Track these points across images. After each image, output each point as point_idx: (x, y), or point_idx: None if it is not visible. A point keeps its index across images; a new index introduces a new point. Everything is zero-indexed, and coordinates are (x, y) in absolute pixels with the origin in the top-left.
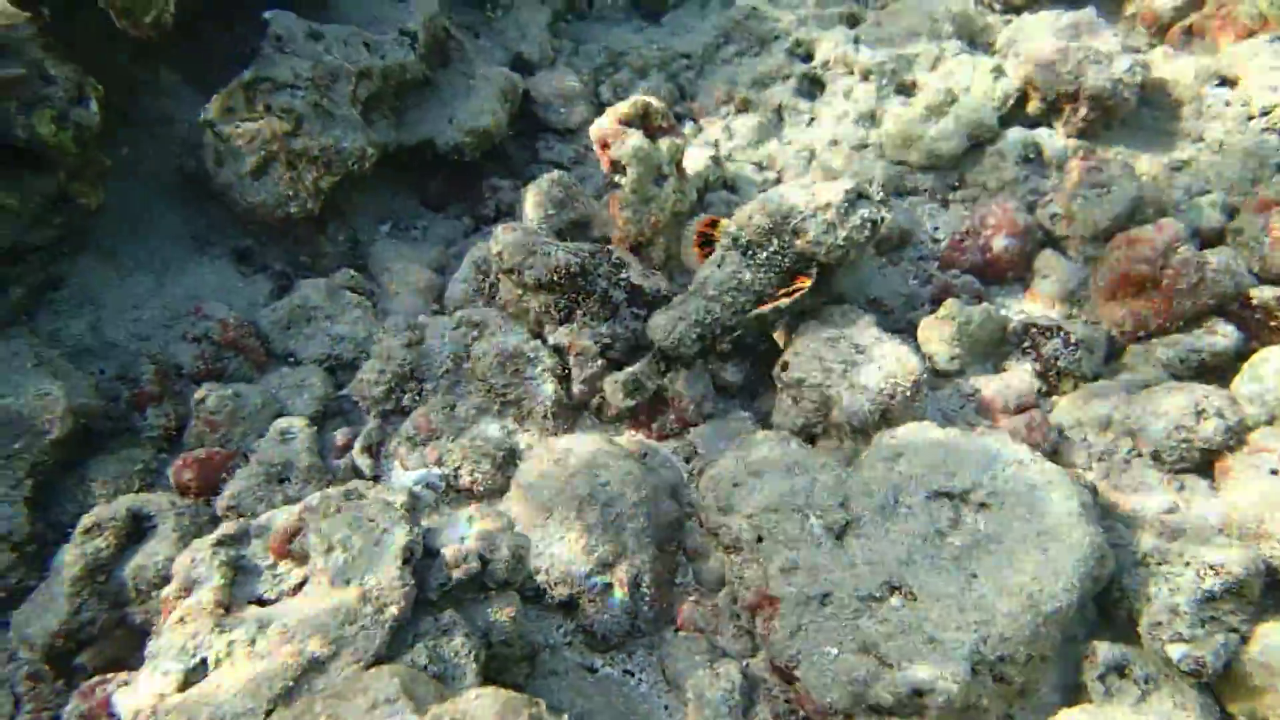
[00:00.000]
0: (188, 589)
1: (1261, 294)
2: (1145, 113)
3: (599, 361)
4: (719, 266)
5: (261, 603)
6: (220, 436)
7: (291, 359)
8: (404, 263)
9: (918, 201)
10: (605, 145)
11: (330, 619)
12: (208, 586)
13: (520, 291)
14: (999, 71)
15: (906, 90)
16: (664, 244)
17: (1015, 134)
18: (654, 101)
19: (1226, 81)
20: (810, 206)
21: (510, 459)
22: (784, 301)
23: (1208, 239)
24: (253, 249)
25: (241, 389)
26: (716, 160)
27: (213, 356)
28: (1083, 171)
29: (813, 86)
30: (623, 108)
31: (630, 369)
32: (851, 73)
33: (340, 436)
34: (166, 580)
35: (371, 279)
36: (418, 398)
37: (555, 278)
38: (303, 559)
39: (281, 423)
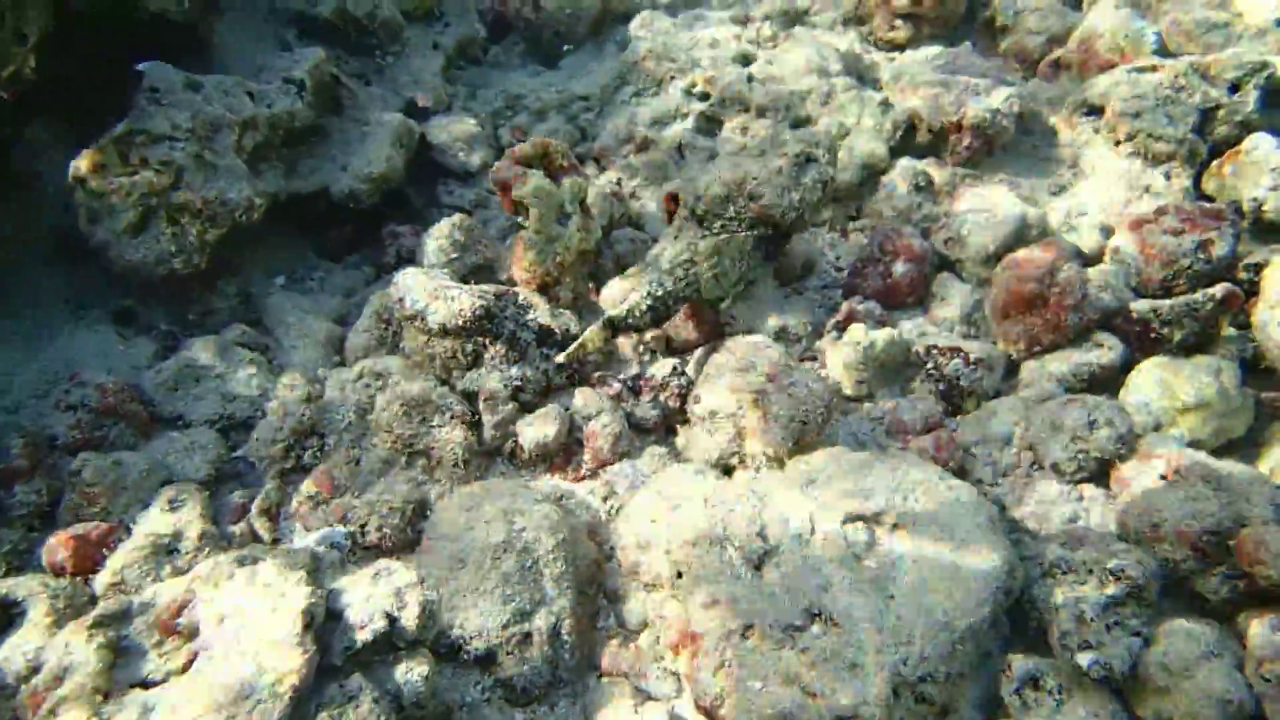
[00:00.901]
0: (59, 677)
1: (1140, 307)
2: (1025, 140)
3: (510, 405)
4: (674, 239)
5: (146, 685)
6: (100, 509)
7: (180, 422)
8: (301, 315)
9: (819, 232)
10: (506, 187)
11: (223, 697)
12: (83, 671)
13: (425, 338)
14: (886, 105)
15: (801, 124)
16: (572, 282)
17: (906, 164)
18: (554, 141)
19: (1094, 110)
20: (762, 172)
21: (420, 511)
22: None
23: (1089, 258)
24: (134, 309)
25: (123, 457)
26: (619, 197)
27: (90, 425)
28: (969, 198)
29: (710, 124)
30: (523, 148)
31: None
32: (747, 109)
33: (236, 500)
34: (38, 671)
35: (267, 333)
36: (319, 454)
37: (460, 322)
38: (192, 634)
39: (169, 490)
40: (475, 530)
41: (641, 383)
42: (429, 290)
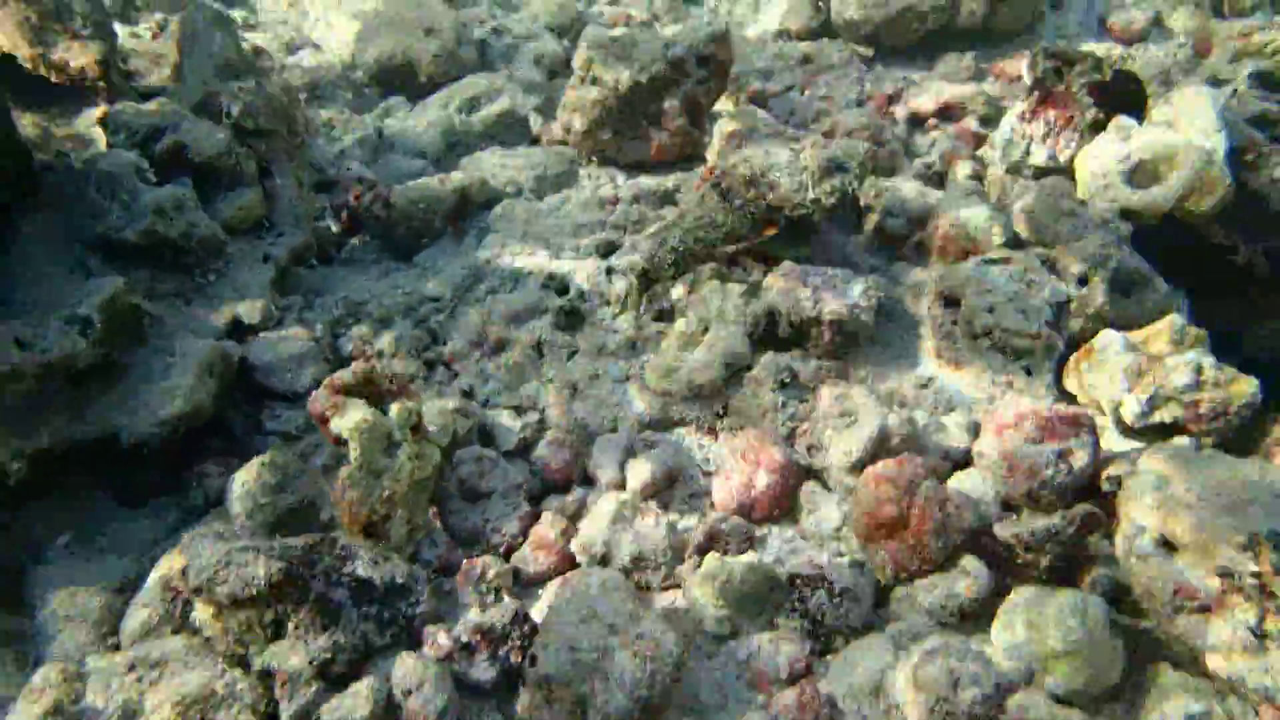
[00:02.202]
0: None
1: (1002, 533)
2: (890, 329)
3: (314, 686)
4: (699, 204)
5: None
6: None
7: None
8: (72, 588)
9: (685, 433)
10: (325, 420)
11: None
12: None
13: (214, 611)
14: (750, 295)
15: (665, 316)
16: (404, 517)
17: (769, 359)
18: (378, 365)
19: (951, 302)
20: (790, 165)
21: None
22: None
23: (957, 461)
24: None
25: None
26: (464, 412)
27: None
28: (830, 400)
29: (570, 319)
30: (342, 376)
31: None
32: (608, 303)
33: None
34: None
35: (29, 614)
36: None
37: (256, 591)
38: None
39: None
40: None
41: (477, 638)
42: (218, 555)
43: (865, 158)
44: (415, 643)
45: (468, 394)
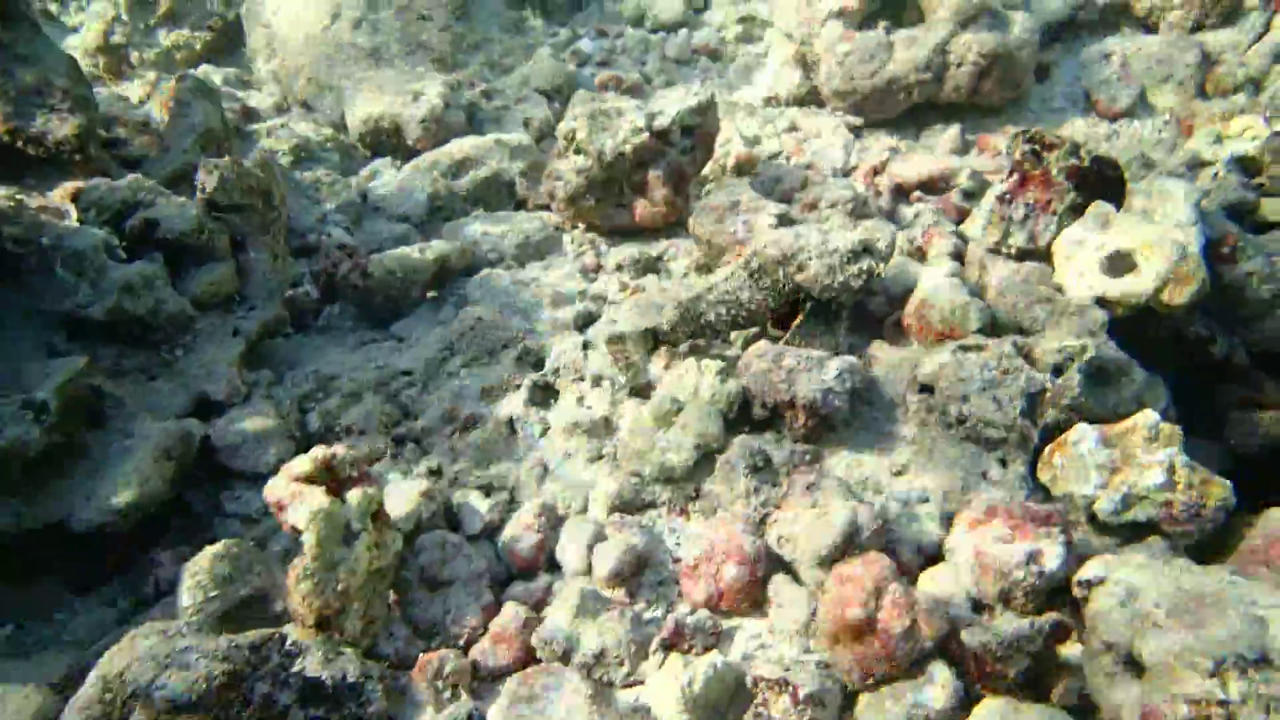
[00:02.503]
0: None
1: (970, 641)
2: (867, 411)
3: None
4: (726, 279)
5: None
6: None
7: None
8: (4, 687)
9: (657, 515)
10: (282, 508)
11: None
12: None
13: (153, 717)
14: (725, 374)
15: (639, 391)
16: (360, 610)
17: (742, 442)
18: (339, 451)
19: (926, 388)
20: (820, 247)
21: None
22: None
23: (930, 554)
24: None
25: None
26: (430, 495)
27: None
28: (801, 490)
29: (545, 394)
30: (301, 464)
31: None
32: (583, 378)
33: None
34: None
35: None
36: None
37: (195, 696)
38: None
39: None
40: None
41: None
42: (159, 655)
43: (891, 241)
44: None
45: (435, 472)
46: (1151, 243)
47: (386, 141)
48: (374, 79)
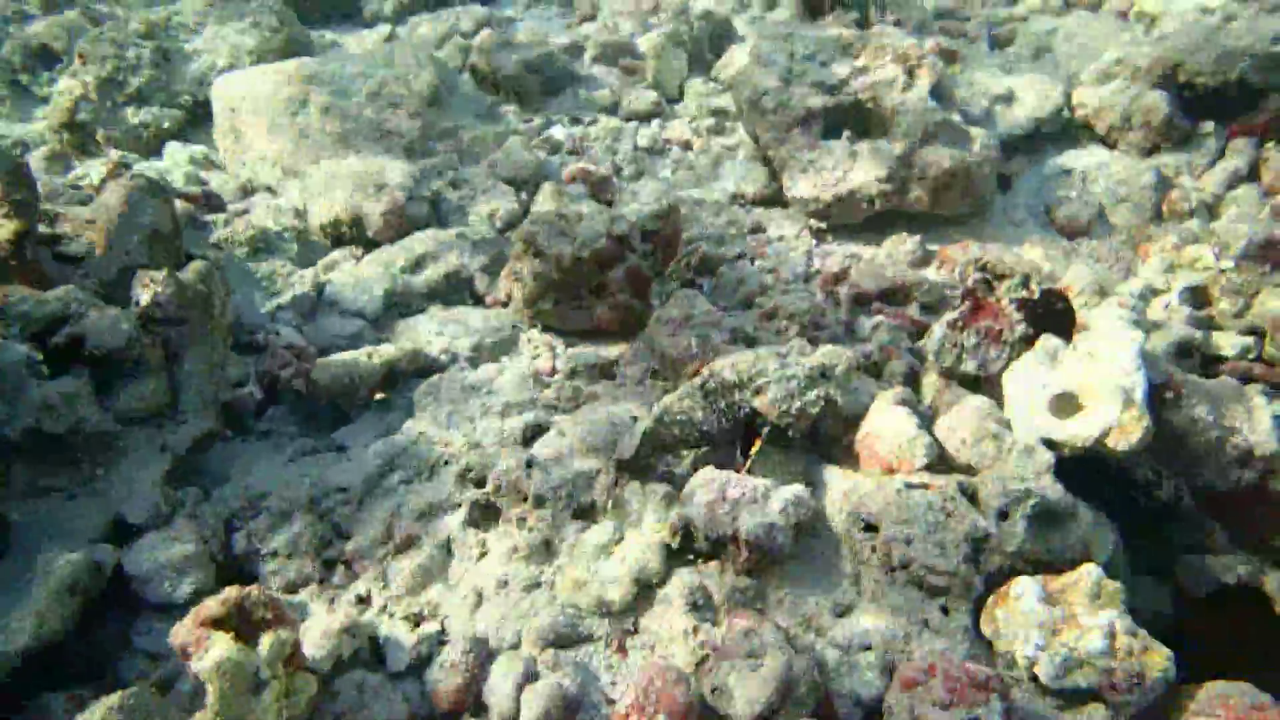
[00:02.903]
0: None
1: None
2: (815, 545)
3: None
4: (679, 399)
5: None
6: None
7: None
8: None
9: (593, 651)
10: (187, 655)
11: None
12: None
13: None
14: (671, 501)
15: (584, 513)
16: None
17: (682, 577)
18: (253, 592)
19: (870, 528)
20: (777, 373)
21: None
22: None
23: (869, 708)
24: None
25: None
26: (353, 631)
27: None
28: (738, 637)
29: (486, 514)
30: (210, 607)
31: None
32: (524, 499)
33: None
34: None
35: None
36: None
37: None
38: None
39: None
40: None
41: None
42: None
43: (848, 368)
44: None
45: (363, 600)
46: (1096, 387)
47: (348, 232)
48: (338, 169)
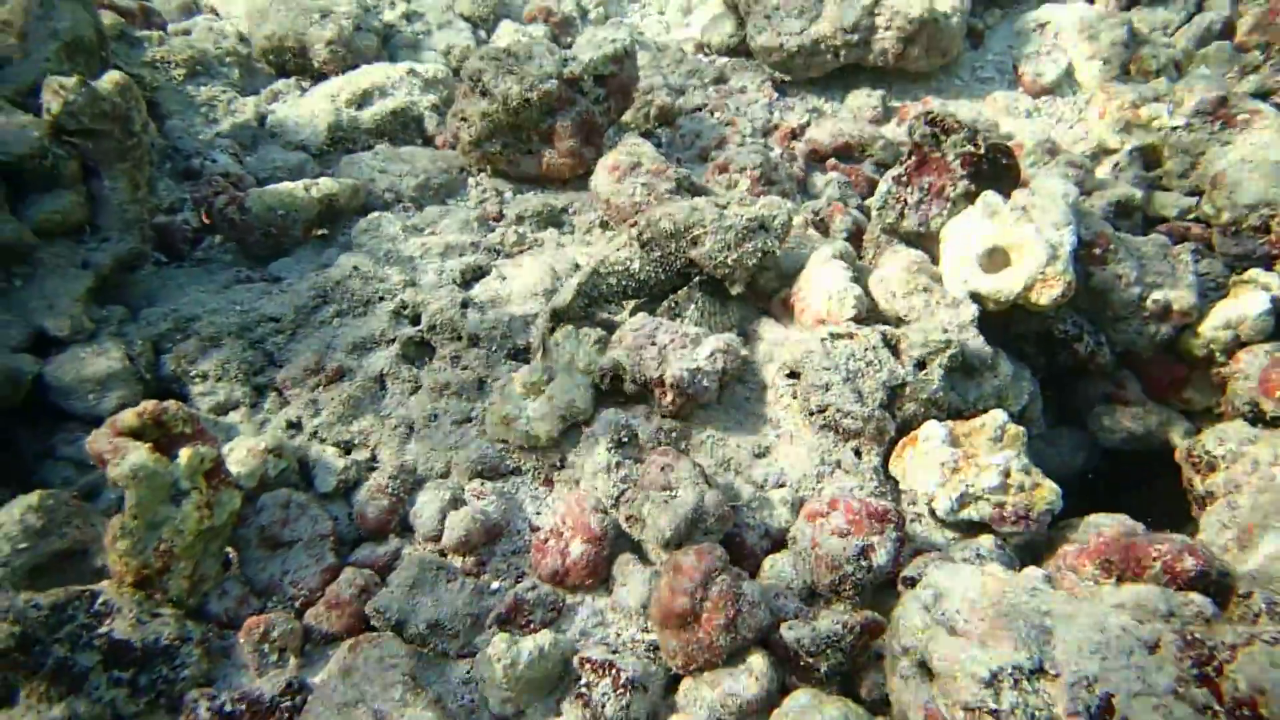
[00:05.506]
0: None
1: (788, 635)
2: (741, 390)
3: None
4: (618, 250)
5: None
6: None
7: None
8: None
9: (520, 483)
10: (104, 463)
11: None
12: None
13: None
14: (602, 345)
15: (518, 354)
16: (186, 570)
17: (608, 416)
18: (170, 406)
19: (793, 374)
20: (715, 223)
21: None
22: None
23: (777, 540)
24: None
25: None
26: (278, 451)
27: None
28: (655, 471)
29: (420, 351)
30: (126, 418)
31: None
32: (459, 338)
33: None
34: None
35: None
36: None
37: None
38: None
39: None
40: None
41: (241, 707)
42: None
43: (786, 220)
44: (176, 710)
45: (294, 425)
46: (1024, 242)
47: (291, 61)
48: None
